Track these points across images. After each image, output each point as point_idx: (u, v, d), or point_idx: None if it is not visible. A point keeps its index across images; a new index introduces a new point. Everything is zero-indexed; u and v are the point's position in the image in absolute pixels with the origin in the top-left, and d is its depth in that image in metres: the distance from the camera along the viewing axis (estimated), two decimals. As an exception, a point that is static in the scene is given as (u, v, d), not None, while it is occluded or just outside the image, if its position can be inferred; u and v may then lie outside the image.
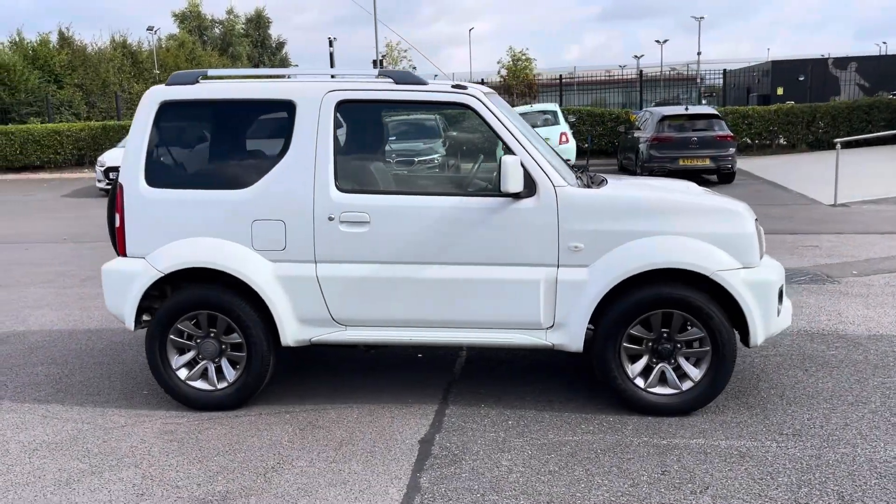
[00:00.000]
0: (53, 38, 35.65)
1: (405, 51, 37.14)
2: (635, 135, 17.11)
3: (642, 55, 68.56)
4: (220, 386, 4.53)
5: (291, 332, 4.43)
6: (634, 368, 4.31)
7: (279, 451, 3.96)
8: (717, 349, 4.20)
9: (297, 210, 4.36)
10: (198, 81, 4.59)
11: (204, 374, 4.55)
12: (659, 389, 4.31)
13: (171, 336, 4.49)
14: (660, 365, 4.31)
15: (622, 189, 4.52)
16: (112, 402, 4.73)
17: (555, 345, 4.32)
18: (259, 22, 52.10)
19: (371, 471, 3.71)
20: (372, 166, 4.69)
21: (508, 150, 4.30)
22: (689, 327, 4.24)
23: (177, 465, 3.84)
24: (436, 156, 16.20)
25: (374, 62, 28.99)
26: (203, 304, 4.44)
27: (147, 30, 42.89)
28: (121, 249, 4.55)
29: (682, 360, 4.30)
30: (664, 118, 15.98)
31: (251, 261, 4.39)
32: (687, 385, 4.29)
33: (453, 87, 4.42)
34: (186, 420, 4.40)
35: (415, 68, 33.65)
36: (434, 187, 4.49)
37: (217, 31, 48.25)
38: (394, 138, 17.42)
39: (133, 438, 4.18)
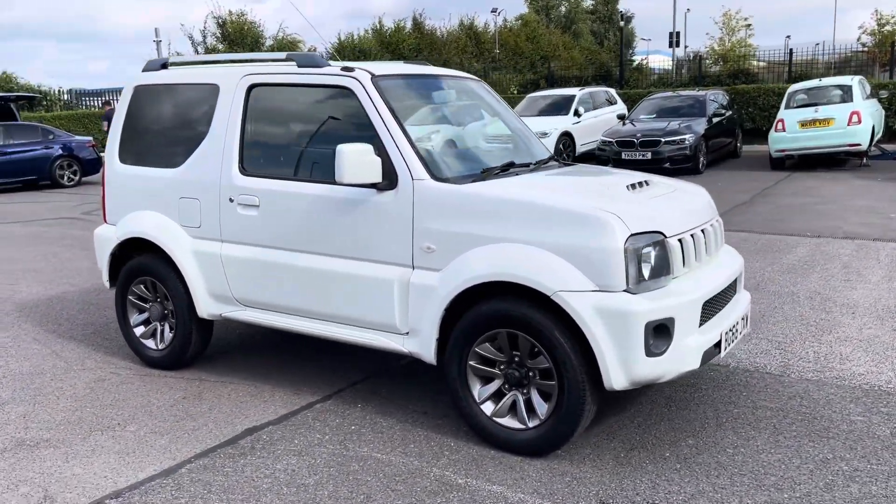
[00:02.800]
0: (409, 25, 39.65)
1: (746, 18, 33.83)
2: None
3: None
4: (160, 346, 4.97)
5: (205, 306, 4.67)
6: (483, 392, 3.73)
7: (135, 415, 4.26)
8: (562, 385, 3.45)
9: (209, 190, 4.55)
10: (164, 67, 5.01)
11: (155, 334, 5.03)
12: (506, 421, 3.68)
13: (129, 297, 5.04)
14: (511, 392, 3.68)
15: (495, 185, 3.88)
16: (106, 349, 5.44)
17: (411, 352, 3.93)
18: (608, -4, 51.79)
19: (166, 448, 3.83)
20: (275, 150, 4.65)
21: (377, 137, 3.97)
22: (539, 354, 3.54)
23: (60, 408, 4.37)
24: (687, 136, 14.90)
25: (671, 35, 27.11)
26: (144, 271, 4.90)
27: (491, 12, 45.08)
28: (104, 217, 5.19)
29: (533, 392, 3.62)
30: None
31: (175, 235, 4.71)
32: (534, 422, 3.60)
33: (342, 69, 4.19)
34: (128, 374, 4.92)
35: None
36: (318, 174, 4.28)
37: (563, 8, 49.14)
38: (652, 116, 16.39)
39: (72, 381, 4.81)
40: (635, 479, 3.37)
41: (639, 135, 15.14)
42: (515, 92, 26.95)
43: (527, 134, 4.98)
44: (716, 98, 17.11)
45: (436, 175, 3.86)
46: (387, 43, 37.19)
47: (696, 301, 3.50)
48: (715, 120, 16.11)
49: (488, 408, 3.72)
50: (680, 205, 3.87)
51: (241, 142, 4.47)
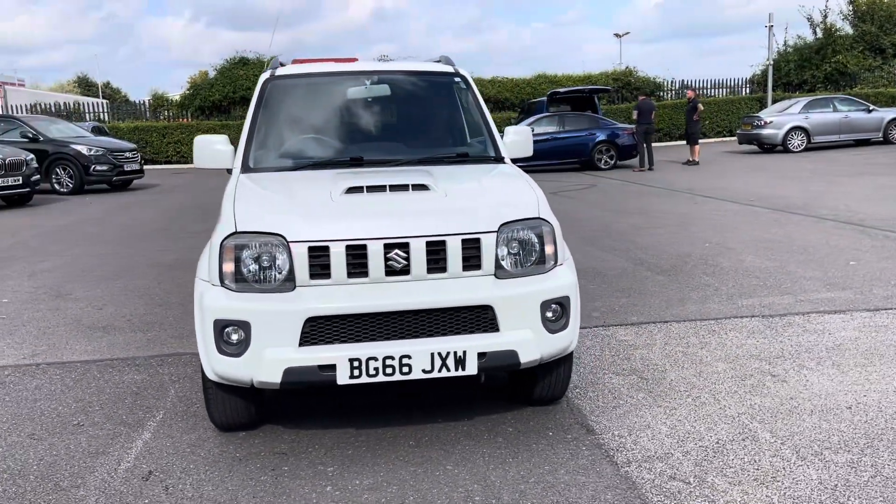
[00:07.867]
0: None
1: None
2: None
3: None
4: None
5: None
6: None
7: (148, 330, 5.65)
8: None
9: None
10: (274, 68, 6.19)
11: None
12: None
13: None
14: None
15: (253, 177, 4.13)
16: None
17: None
18: None
19: (97, 350, 5.15)
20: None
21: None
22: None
23: (145, 318, 6.00)
24: None
25: None
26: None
27: None
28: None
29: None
30: None
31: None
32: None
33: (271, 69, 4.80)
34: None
35: None
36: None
37: None
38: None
39: (188, 307, 6.40)
40: (202, 471, 3.37)
41: None
42: None
43: (473, 129, 4.75)
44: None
45: (245, 165, 4.26)
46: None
47: (286, 313, 3.25)
48: None
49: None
50: (384, 216, 3.42)
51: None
